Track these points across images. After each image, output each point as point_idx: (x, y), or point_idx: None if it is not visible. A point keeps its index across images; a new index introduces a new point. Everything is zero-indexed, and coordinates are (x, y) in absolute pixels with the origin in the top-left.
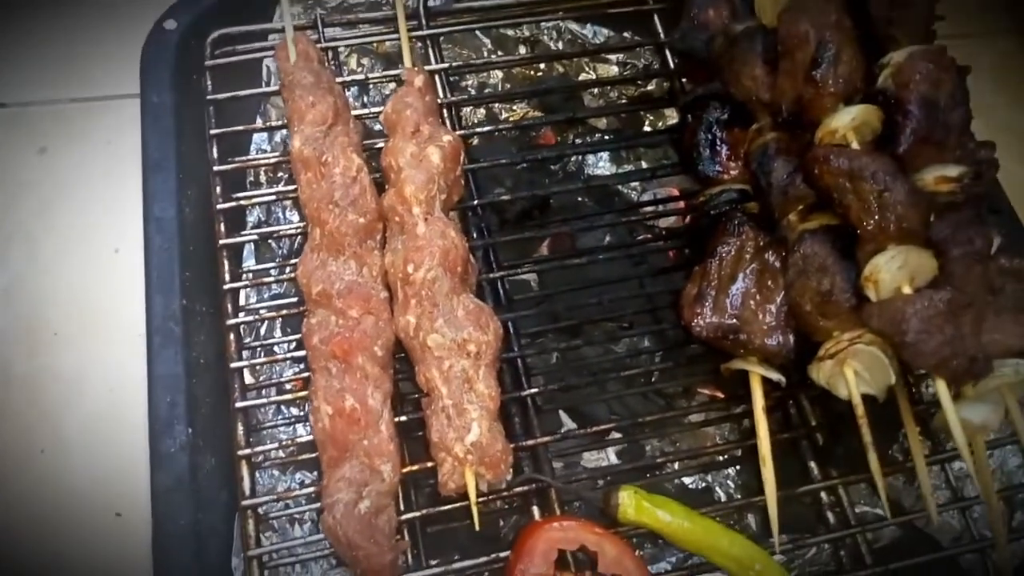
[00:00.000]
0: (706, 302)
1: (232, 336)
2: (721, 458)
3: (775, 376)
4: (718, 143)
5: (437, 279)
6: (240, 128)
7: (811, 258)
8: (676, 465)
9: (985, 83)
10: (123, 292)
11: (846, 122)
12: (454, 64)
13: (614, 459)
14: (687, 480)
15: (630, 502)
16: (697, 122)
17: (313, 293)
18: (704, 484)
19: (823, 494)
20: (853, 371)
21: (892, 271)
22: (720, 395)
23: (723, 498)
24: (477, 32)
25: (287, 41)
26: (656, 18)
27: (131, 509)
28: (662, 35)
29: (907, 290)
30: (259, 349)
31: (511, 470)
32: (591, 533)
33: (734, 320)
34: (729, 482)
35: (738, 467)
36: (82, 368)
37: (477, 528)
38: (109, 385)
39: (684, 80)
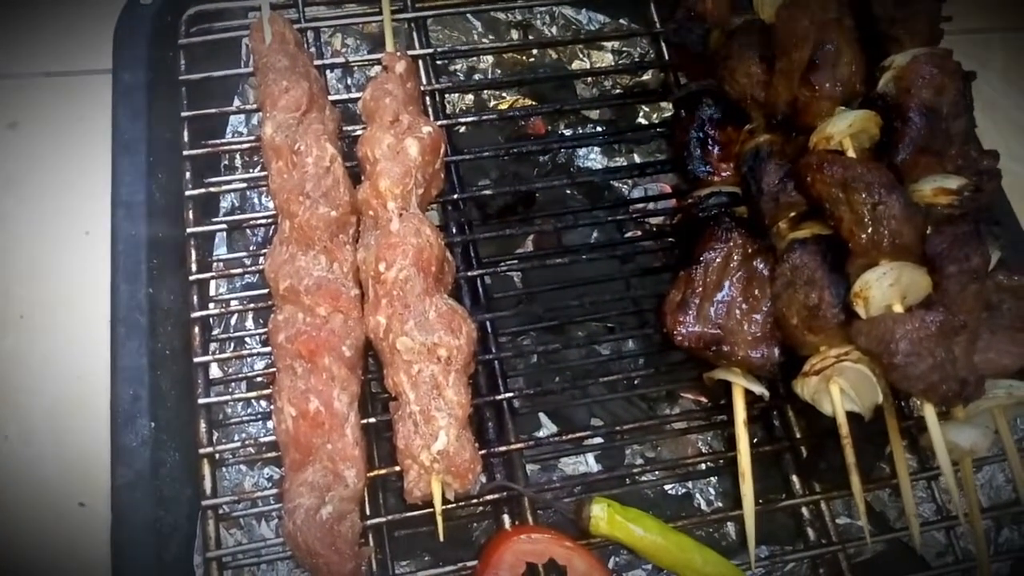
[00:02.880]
0: (689, 310)
1: (197, 329)
2: (703, 466)
3: (758, 389)
4: (710, 143)
5: (409, 279)
6: (213, 111)
7: (800, 269)
8: (656, 473)
9: (995, 81)
10: (92, 276)
11: (842, 128)
12: (440, 48)
13: (593, 464)
14: (667, 486)
15: (603, 515)
16: (689, 119)
17: (281, 288)
18: (684, 490)
19: (804, 509)
20: (839, 389)
21: (883, 288)
22: (704, 400)
23: (703, 505)
24: (468, 15)
25: (262, 21)
26: (652, 6)
27: (95, 499)
28: (659, 24)
29: (898, 308)
30: (228, 342)
31: (480, 479)
32: (561, 547)
33: (718, 330)
34: (710, 488)
35: (720, 475)
36: (49, 353)
37: (442, 538)
38: (76, 371)
39: (680, 73)
